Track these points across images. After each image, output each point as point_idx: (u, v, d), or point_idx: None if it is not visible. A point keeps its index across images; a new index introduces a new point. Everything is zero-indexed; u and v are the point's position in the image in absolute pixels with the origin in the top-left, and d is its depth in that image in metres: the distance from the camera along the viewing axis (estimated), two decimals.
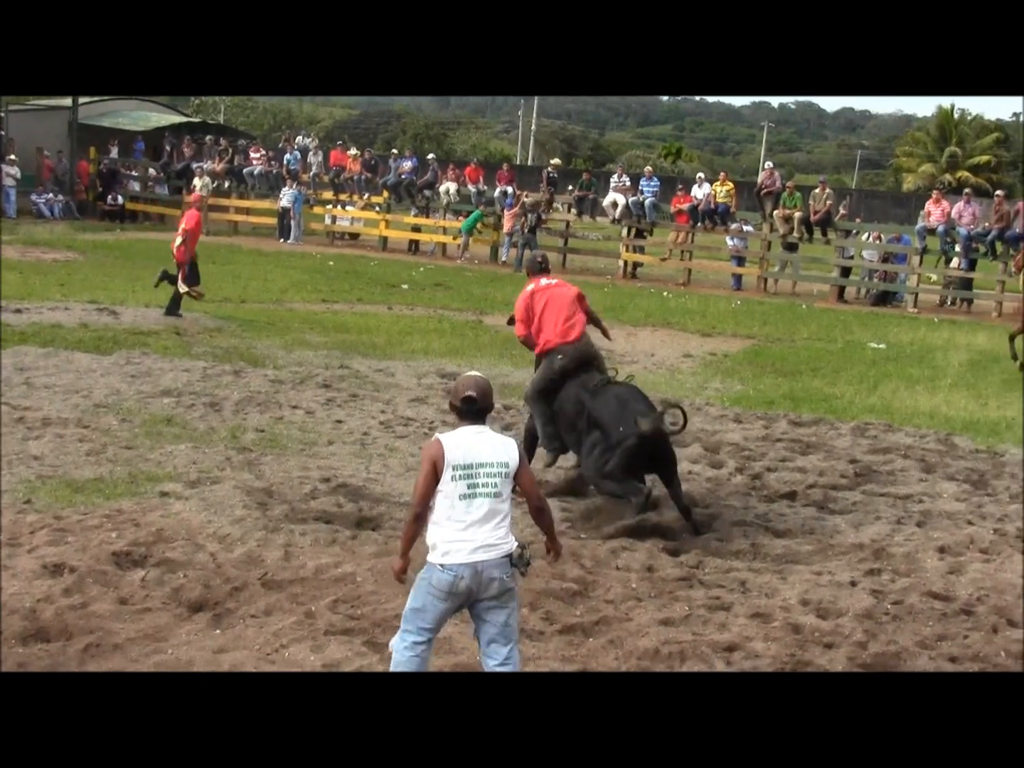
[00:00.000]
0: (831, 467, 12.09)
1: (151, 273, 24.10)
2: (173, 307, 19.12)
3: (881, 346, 20.71)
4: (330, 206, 37.16)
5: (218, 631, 7.18)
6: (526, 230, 31.51)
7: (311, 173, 36.96)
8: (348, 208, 37.10)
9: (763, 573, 8.86)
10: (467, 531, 5.85)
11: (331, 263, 29.71)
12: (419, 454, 11.00)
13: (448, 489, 5.86)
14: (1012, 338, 19.59)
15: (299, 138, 40.12)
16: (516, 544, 5.98)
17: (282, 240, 34.57)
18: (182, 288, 19.02)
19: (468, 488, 5.86)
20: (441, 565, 5.87)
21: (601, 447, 10.00)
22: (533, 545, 6.62)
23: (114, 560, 8.15)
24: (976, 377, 18.08)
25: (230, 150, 38.06)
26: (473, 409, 6.02)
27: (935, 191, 31.20)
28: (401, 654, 5.97)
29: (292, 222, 34.81)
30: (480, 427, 6.04)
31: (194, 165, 37.35)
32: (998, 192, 30.70)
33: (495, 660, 6.01)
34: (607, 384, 10.43)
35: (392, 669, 6.03)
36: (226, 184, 37.65)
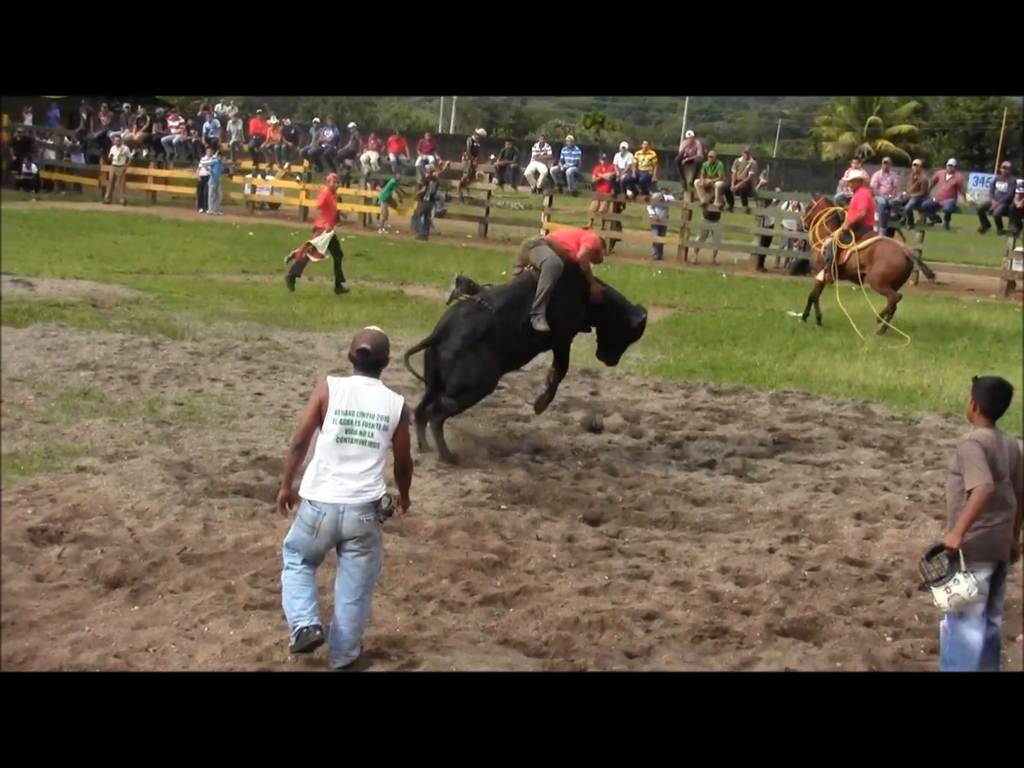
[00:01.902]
0: (750, 435, 12.22)
1: (67, 243, 23.85)
2: (294, 272, 20.69)
3: (800, 315, 20.92)
4: (250, 175, 36.77)
5: (136, 607, 7.12)
6: (425, 199, 31.34)
7: (230, 142, 36.52)
8: (268, 178, 36.72)
9: (682, 542, 8.94)
10: (337, 473, 6.30)
11: (251, 233, 29.42)
12: None
13: (328, 430, 6.30)
14: (811, 300, 20.37)
15: (218, 106, 39.63)
16: (384, 493, 6.38)
17: (201, 210, 34.17)
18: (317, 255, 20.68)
19: (346, 433, 6.29)
20: (310, 501, 6.32)
21: None
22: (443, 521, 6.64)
23: (30, 537, 8.04)
24: (893, 345, 18.32)
25: (148, 118, 37.44)
26: (367, 361, 6.44)
27: (854, 160, 31.53)
28: (284, 580, 6.54)
29: (210, 191, 34.38)
30: (371, 379, 6.46)
31: (111, 134, 36.73)
32: (915, 161, 31.05)
33: (356, 593, 6.40)
34: None
35: (287, 590, 6.48)
36: (144, 153, 37.08)
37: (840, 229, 19.96)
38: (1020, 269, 27.99)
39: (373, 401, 6.37)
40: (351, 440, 6.31)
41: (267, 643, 6.63)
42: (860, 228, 20.14)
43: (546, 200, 32.60)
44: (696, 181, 30.62)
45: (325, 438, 6.33)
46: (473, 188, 34.02)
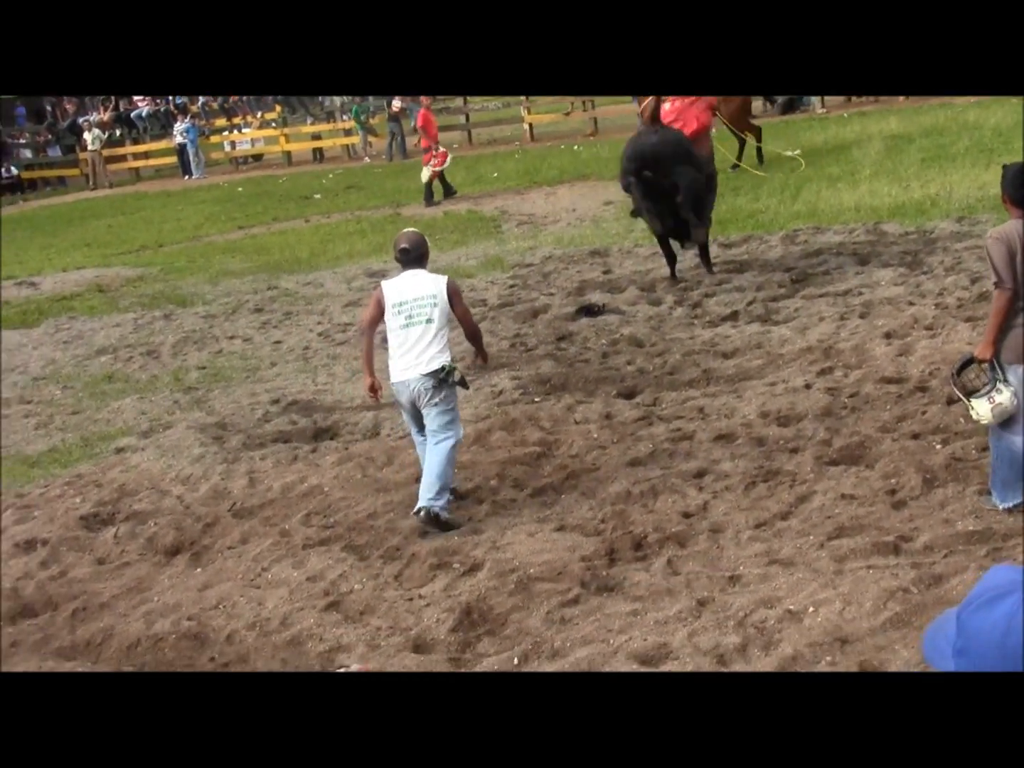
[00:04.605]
0: (767, 280, 12.16)
1: (62, 237, 23.83)
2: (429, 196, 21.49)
3: (797, 152, 20.67)
4: (226, 132, 36.51)
5: (199, 569, 7.21)
6: (391, 123, 30.69)
7: (199, 103, 36.24)
8: (245, 131, 36.46)
9: (719, 396, 8.94)
10: (404, 355, 7.20)
11: (240, 189, 29.27)
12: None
13: (391, 323, 7.25)
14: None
15: None
16: (448, 361, 7.20)
17: (186, 177, 33.97)
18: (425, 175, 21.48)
19: (405, 320, 7.21)
20: (393, 384, 7.28)
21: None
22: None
23: (83, 524, 8.14)
24: (895, 162, 18.08)
25: (113, 97, 37.13)
26: (409, 257, 7.37)
27: None
28: (416, 446, 7.61)
29: (191, 156, 34.16)
30: (417, 271, 7.37)
31: (80, 120, 36.52)
32: None
33: (432, 440, 7.25)
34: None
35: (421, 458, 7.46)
36: (117, 132, 36.84)
37: None
38: None
39: (420, 285, 7.27)
40: (412, 324, 7.18)
41: (331, 577, 6.71)
42: None
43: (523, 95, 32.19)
44: None
45: (392, 330, 7.24)
46: (448, 98, 33.64)
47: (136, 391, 11.40)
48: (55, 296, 17.08)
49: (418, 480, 7.79)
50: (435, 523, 7.06)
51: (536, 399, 9.44)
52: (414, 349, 7.15)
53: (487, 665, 5.57)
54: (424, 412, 7.22)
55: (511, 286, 13.73)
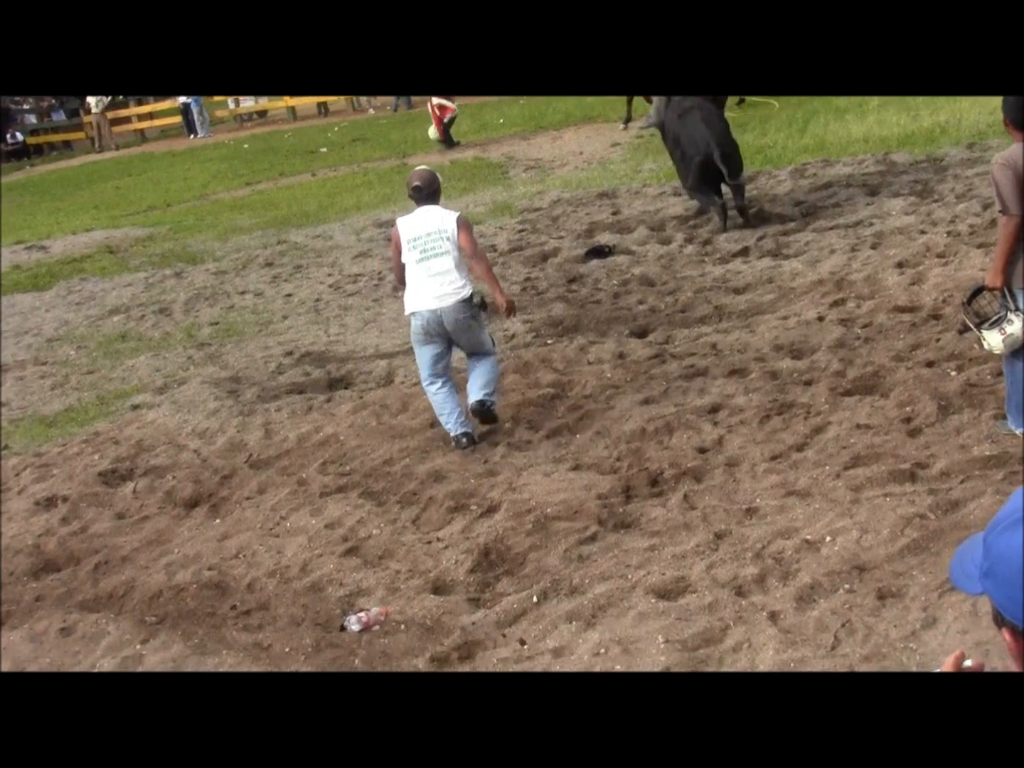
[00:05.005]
0: (777, 215, 12.08)
1: (70, 201, 23.81)
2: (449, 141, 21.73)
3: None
4: None
5: (218, 520, 7.24)
6: None
7: None
8: None
9: (731, 332, 8.91)
10: (424, 285, 7.42)
11: (245, 146, 29.16)
12: (373, 307, 11.19)
13: (408, 257, 7.49)
14: (629, 100, 20.12)
15: None
16: (472, 290, 7.47)
17: (191, 136, 33.84)
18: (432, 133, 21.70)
19: (421, 253, 7.44)
20: (413, 314, 7.49)
21: (682, 164, 12.28)
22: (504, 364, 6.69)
23: (102, 480, 8.17)
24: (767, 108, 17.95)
25: None
26: (421, 195, 7.59)
27: None
28: (429, 396, 7.67)
29: (195, 116, 34.00)
30: (429, 207, 7.57)
31: None
32: None
33: (472, 367, 7.64)
34: (691, 109, 12.14)
35: (434, 408, 7.66)
36: (121, 95, 36.68)
37: None
38: None
39: (432, 220, 7.48)
40: (427, 257, 7.41)
41: (349, 523, 6.73)
42: None
43: None
44: None
45: (409, 264, 7.46)
46: None
47: (150, 349, 11.42)
48: (65, 259, 17.07)
49: (432, 426, 7.83)
50: (488, 415, 7.58)
51: (549, 341, 9.43)
52: (436, 279, 7.39)
53: (506, 604, 5.59)
54: (459, 338, 7.50)
55: (520, 231, 13.68)
